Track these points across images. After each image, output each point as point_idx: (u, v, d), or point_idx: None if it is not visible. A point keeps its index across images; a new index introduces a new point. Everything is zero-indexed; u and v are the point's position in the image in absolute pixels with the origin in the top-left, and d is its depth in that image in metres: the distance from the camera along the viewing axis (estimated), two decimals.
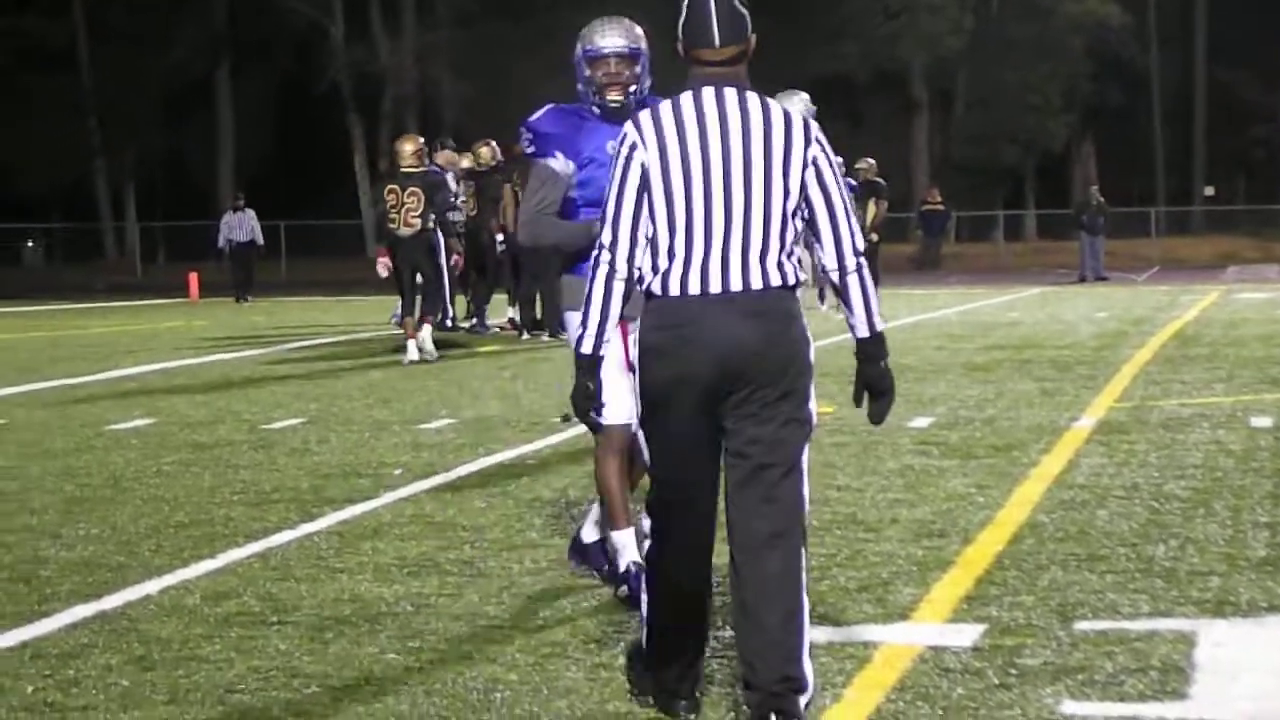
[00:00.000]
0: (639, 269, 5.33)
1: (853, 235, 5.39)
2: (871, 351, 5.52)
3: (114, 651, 6.39)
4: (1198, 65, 74.06)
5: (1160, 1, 73.06)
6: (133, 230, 65.17)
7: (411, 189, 19.51)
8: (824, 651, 6.15)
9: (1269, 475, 9.79)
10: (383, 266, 19.73)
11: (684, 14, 5.38)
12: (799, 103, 13.93)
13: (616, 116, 6.95)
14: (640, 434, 5.44)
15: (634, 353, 5.43)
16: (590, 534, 7.49)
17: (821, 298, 27.04)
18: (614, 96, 7.08)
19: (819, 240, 5.37)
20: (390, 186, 19.72)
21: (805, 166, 5.29)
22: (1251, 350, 18.41)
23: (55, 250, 68.09)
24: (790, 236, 5.32)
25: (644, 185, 5.28)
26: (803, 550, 5.30)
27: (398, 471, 10.74)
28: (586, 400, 5.45)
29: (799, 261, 5.41)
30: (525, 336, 22.97)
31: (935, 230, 51.87)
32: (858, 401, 5.53)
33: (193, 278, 41.67)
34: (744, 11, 5.39)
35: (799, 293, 5.37)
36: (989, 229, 63.59)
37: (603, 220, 5.38)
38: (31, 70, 62.57)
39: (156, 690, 5.88)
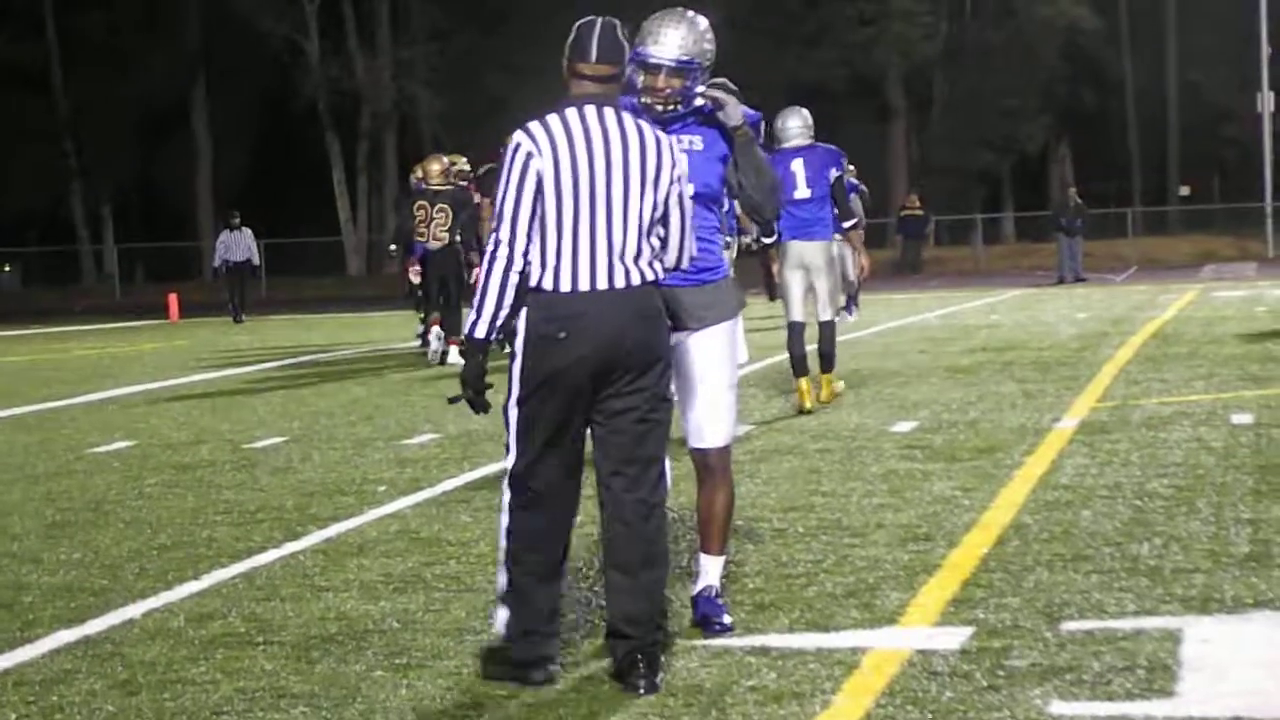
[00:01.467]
0: (528, 264, 5.97)
1: (691, 247, 6.22)
2: None
3: (98, 676, 6.36)
4: (1169, 67, 74.27)
5: (1131, 4, 73.27)
6: (111, 252, 65.07)
7: (440, 205, 20.95)
8: (812, 658, 6.15)
9: (1250, 472, 9.81)
10: (414, 274, 21.41)
11: (572, 35, 6.10)
12: (799, 117, 14.64)
13: (661, 121, 6.53)
14: (511, 418, 6.00)
15: (519, 339, 5.99)
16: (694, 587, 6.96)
17: (849, 308, 27.13)
18: (654, 105, 6.55)
19: (665, 244, 6.12)
20: (420, 202, 21.14)
21: (671, 183, 6.06)
22: (1230, 348, 18.44)
23: (33, 274, 67.94)
24: (655, 241, 6.07)
25: (540, 188, 5.94)
26: (667, 515, 6.15)
27: (382, 488, 10.73)
28: (477, 380, 6.08)
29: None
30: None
31: (915, 235, 52.01)
32: None
33: (172, 298, 41.62)
34: (624, 44, 6.12)
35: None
36: (968, 232, 63.68)
37: (499, 218, 5.97)
38: (5, 93, 62.45)
39: (142, 715, 5.86)
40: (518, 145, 5.98)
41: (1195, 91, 72.29)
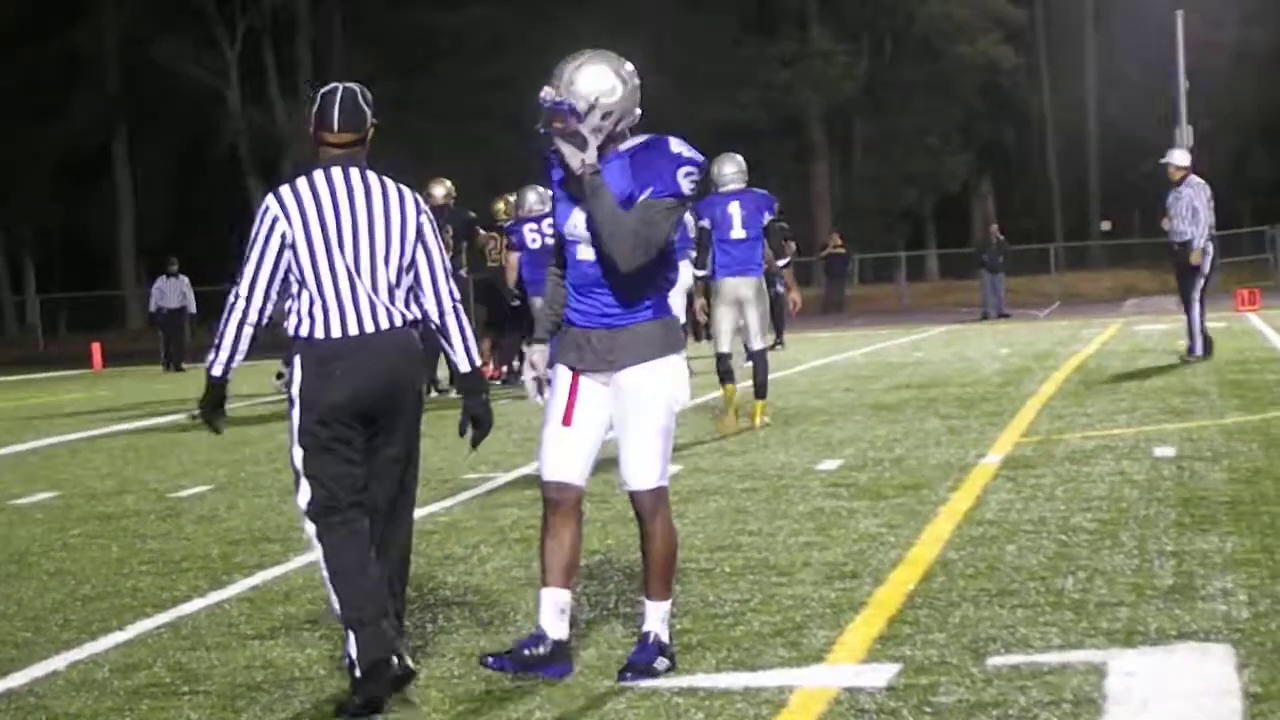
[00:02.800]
0: (296, 316, 6.55)
1: (448, 283, 6.70)
2: (472, 386, 6.79)
3: None
4: (1089, 103, 74.96)
5: (1050, 42, 73.94)
6: (33, 303, 64.58)
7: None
8: (740, 697, 6.15)
9: (1173, 504, 9.88)
10: None
11: (316, 104, 6.63)
12: (734, 163, 16.13)
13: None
14: (295, 457, 6.49)
15: (295, 386, 6.52)
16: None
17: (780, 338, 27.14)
18: (556, 146, 6.56)
19: (421, 287, 6.64)
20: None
21: (417, 231, 6.60)
22: (1152, 381, 18.58)
23: None
24: (407, 285, 6.61)
25: (282, 249, 6.51)
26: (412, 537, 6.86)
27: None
28: (212, 410, 6.78)
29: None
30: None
31: (838, 273, 52.34)
32: (462, 431, 6.79)
33: (95, 348, 41.34)
34: (365, 108, 6.62)
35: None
36: (892, 270, 64.02)
37: (242, 275, 6.56)
38: None
39: None
40: (266, 209, 6.55)
41: (1114, 127, 72.95)
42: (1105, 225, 72.37)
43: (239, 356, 6.66)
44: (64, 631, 8.09)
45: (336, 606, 6.42)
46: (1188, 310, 21.47)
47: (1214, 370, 19.61)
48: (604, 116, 6.48)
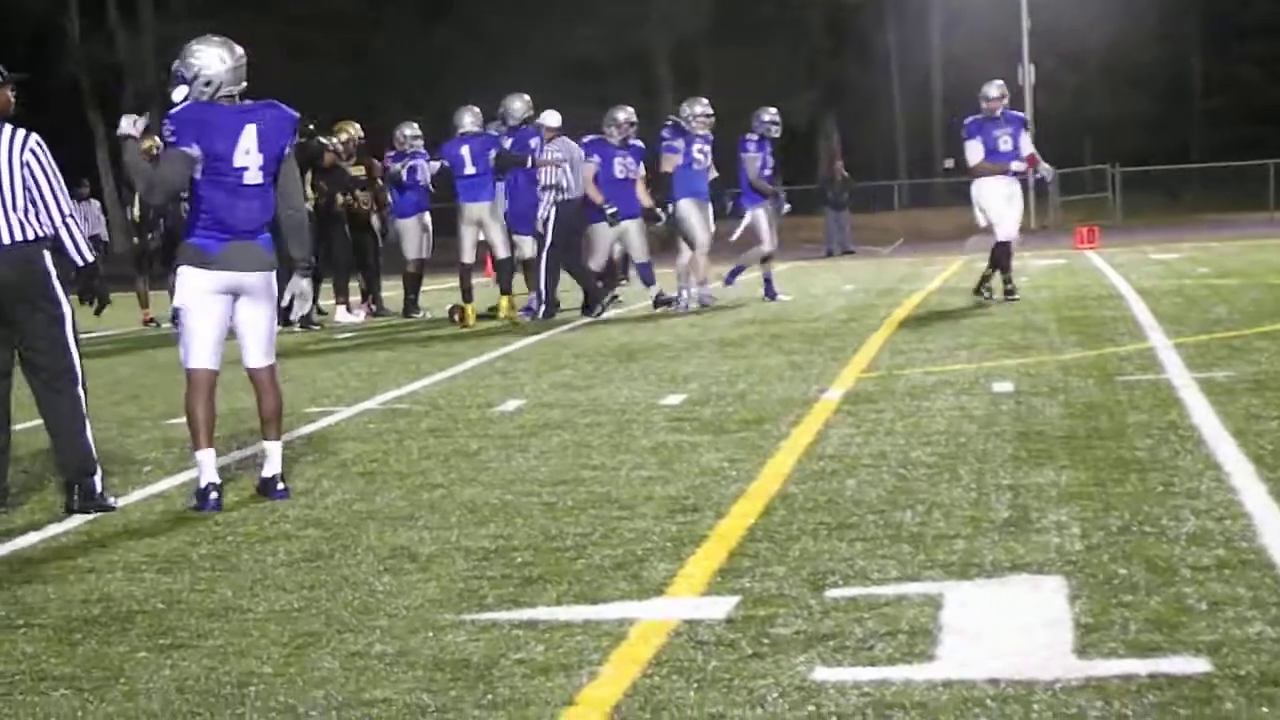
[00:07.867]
0: None
1: (58, 202, 9.14)
2: (87, 274, 9.40)
3: None
4: (933, 40, 75.55)
5: None
6: None
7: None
8: (580, 630, 6.18)
9: (1010, 439, 10.02)
10: None
11: None
12: (471, 114, 21.15)
13: None
14: None
15: None
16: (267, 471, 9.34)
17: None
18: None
19: (43, 207, 9.09)
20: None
21: (23, 166, 9.05)
22: (993, 318, 18.80)
23: None
24: (25, 209, 9.01)
25: None
26: (81, 390, 9.16)
27: (148, 468, 10.58)
28: None
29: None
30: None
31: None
32: (87, 300, 9.54)
33: None
34: None
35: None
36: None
37: None
38: None
39: None
40: None
41: (959, 65, 73.53)
42: (948, 163, 72.89)
43: None
44: None
45: None
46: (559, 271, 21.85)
47: (1053, 307, 19.89)
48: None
